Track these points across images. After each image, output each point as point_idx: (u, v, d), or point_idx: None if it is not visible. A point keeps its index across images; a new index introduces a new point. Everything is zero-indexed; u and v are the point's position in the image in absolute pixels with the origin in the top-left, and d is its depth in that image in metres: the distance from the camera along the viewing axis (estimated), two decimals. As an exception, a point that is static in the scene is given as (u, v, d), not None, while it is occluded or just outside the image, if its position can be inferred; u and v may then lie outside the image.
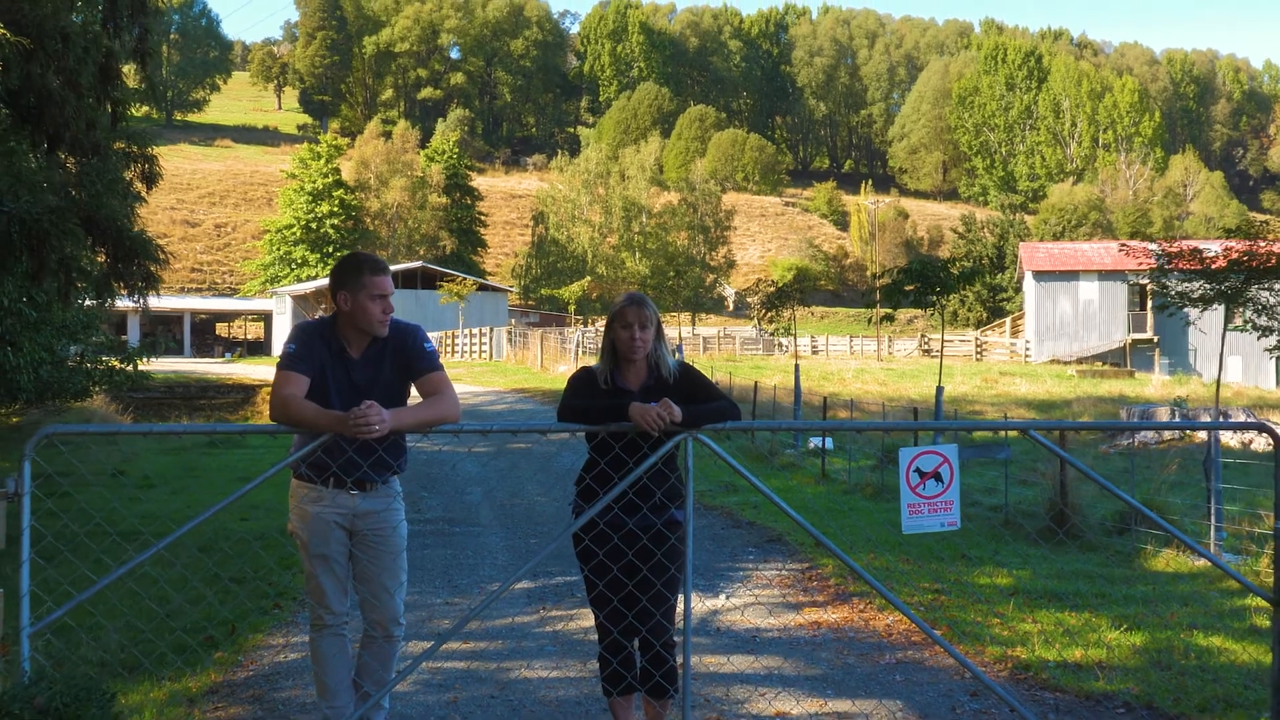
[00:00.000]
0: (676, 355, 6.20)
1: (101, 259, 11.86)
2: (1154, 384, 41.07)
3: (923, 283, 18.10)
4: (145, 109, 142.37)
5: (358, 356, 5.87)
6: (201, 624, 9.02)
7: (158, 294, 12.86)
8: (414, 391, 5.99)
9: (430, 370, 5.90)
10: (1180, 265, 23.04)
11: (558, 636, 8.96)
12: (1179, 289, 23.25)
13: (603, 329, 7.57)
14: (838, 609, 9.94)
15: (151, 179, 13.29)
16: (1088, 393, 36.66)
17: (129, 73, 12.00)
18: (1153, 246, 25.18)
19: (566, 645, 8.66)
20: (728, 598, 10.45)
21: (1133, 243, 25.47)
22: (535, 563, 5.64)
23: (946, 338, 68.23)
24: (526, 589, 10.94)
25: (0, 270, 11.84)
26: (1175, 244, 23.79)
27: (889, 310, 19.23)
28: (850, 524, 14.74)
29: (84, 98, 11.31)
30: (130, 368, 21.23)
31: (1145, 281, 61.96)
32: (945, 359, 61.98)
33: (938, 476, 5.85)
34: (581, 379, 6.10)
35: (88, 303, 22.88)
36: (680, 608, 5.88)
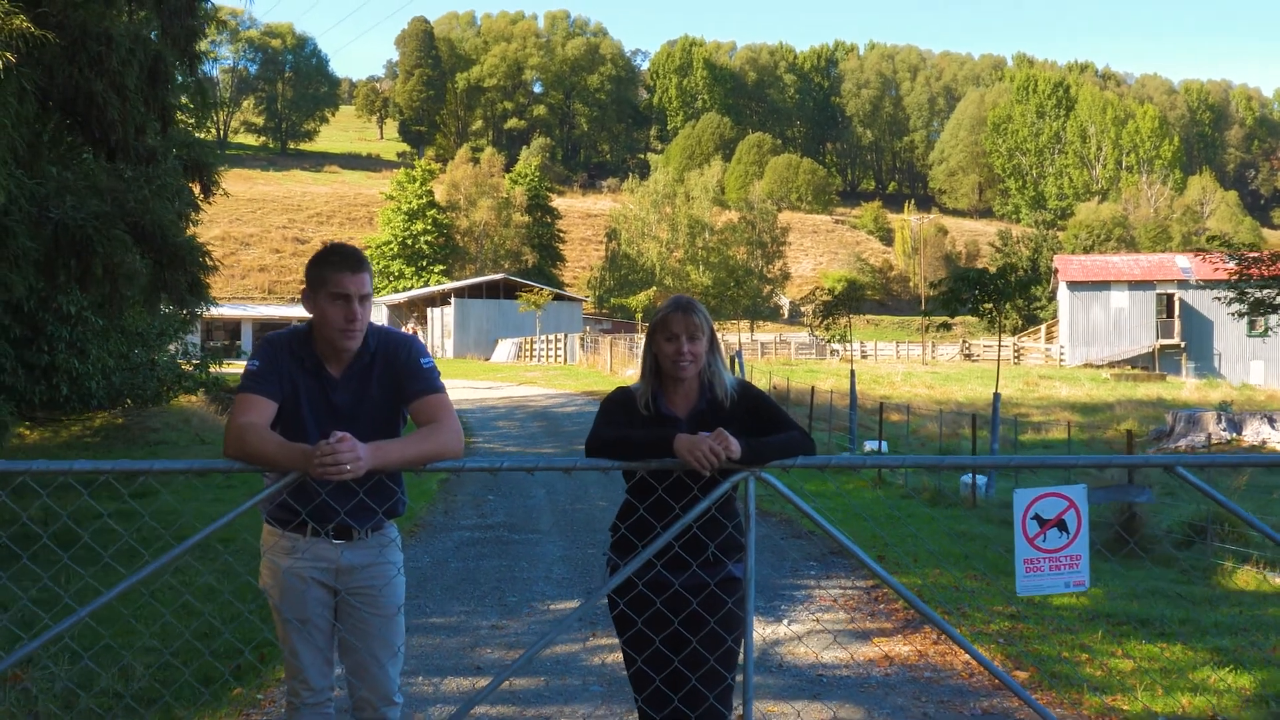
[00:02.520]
0: (736, 366, 4.53)
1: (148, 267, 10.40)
2: (1188, 387, 38.84)
3: (979, 290, 16.36)
4: (262, 139, 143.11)
5: (338, 375, 4.24)
6: (235, 647, 7.30)
7: (208, 302, 11.61)
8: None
9: (426, 392, 4.22)
10: (1261, 272, 21.10)
11: (605, 673, 7.32)
12: (1258, 294, 21.30)
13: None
14: (910, 639, 8.22)
15: (208, 189, 11.86)
16: (1125, 396, 34.56)
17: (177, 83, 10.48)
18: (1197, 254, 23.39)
19: (614, 685, 7.02)
20: (789, 623, 8.76)
21: (1206, 249, 23.68)
22: (552, 637, 4.03)
23: (986, 343, 66.04)
24: (577, 608, 9.34)
25: (47, 277, 10.40)
26: (1254, 252, 21.98)
27: (946, 318, 17.50)
28: (911, 533, 13.04)
29: (129, 101, 9.84)
30: (201, 374, 20.05)
31: (1174, 291, 60.09)
32: (985, 362, 59.92)
33: (1062, 525, 4.18)
34: (617, 402, 4.42)
35: (183, 311, 21.82)
36: (740, 684, 4.29)
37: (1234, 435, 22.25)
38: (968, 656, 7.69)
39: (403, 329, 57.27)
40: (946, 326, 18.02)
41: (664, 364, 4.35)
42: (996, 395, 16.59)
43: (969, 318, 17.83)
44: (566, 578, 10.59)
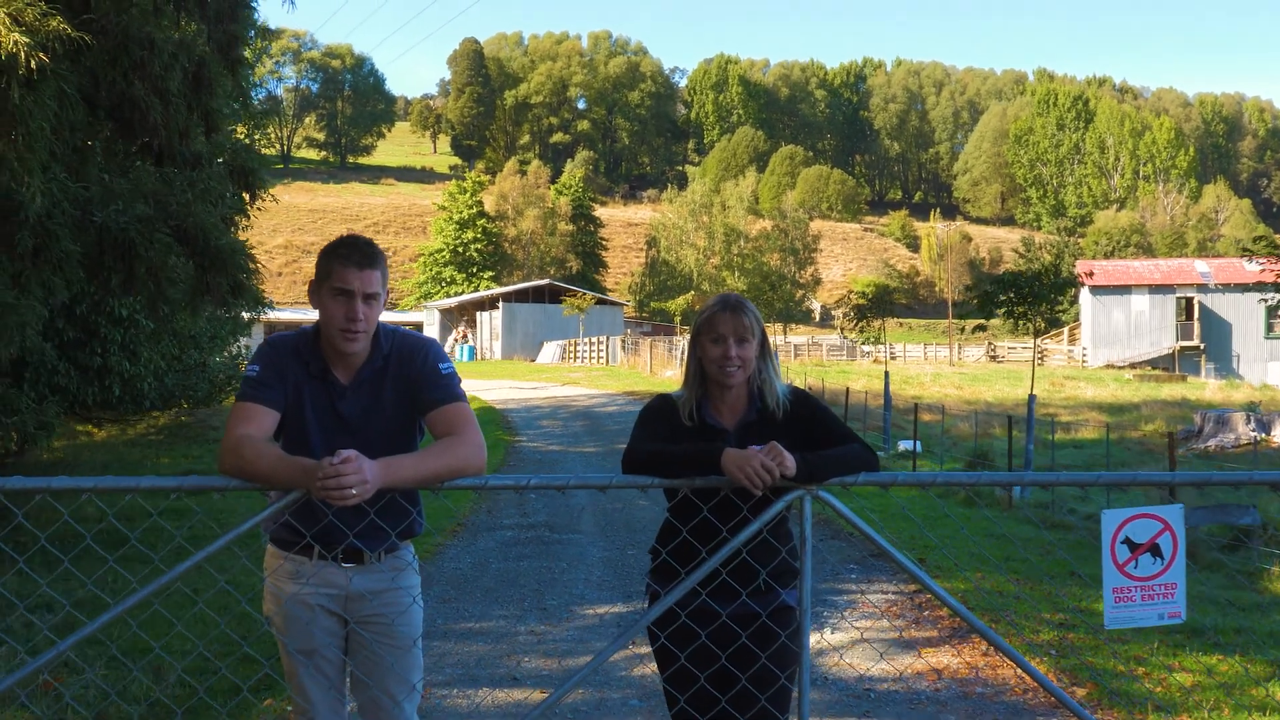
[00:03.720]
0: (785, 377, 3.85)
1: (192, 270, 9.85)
2: (1210, 388, 37.75)
3: (1015, 292, 15.64)
4: (323, 153, 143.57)
5: (347, 381, 3.59)
6: (257, 659, 6.68)
7: (253, 304, 11.13)
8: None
9: (445, 401, 3.56)
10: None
11: (645, 686, 6.69)
12: None
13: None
14: (957, 650, 7.55)
15: (254, 194, 11.32)
16: (1150, 396, 33.58)
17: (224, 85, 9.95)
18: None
19: (654, 699, 6.40)
20: (831, 631, 8.11)
21: (1253, 249, 22.76)
22: (580, 677, 3.42)
23: (1010, 345, 64.88)
24: (617, 613, 8.71)
25: (93, 280, 9.89)
26: None
27: (981, 320, 16.78)
28: (950, 535, 12.35)
29: (171, 105, 9.31)
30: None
31: (1193, 295, 58.81)
32: (1010, 364, 58.85)
33: (1155, 550, 3.52)
34: (657, 411, 3.75)
35: (246, 315, 21.38)
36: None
37: (1263, 435, 21.37)
38: (1018, 669, 7.06)
39: (454, 332, 56.13)
40: (982, 328, 17.22)
41: (709, 369, 3.69)
42: (1032, 397, 15.84)
43: (993, 320, 17.11)
44: (606, 580, 9.98)
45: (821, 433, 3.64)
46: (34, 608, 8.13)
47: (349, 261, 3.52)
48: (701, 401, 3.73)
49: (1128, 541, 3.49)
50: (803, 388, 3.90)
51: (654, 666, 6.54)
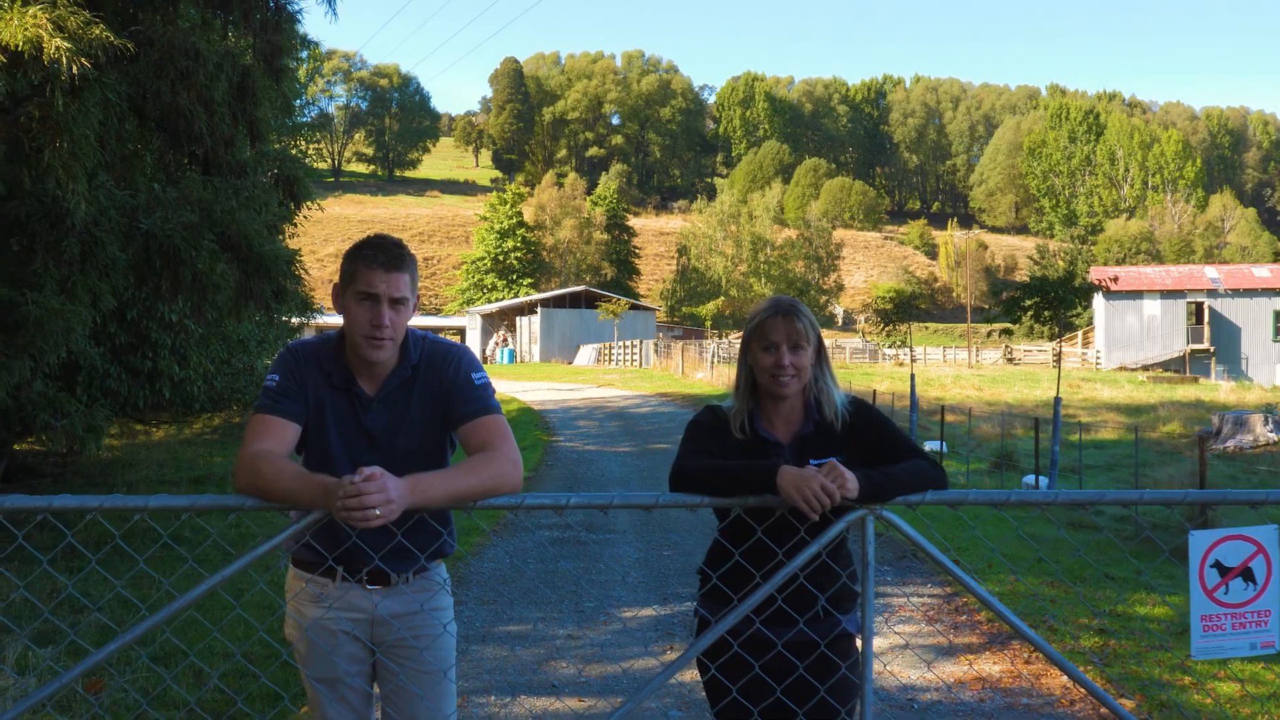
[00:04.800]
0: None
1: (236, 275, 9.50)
2: (1223, 389, 36.87)
3: (1042, 297, 15.10)
4: (371, 167, 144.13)
5: (373, 393, 3.15)
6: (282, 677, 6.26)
7: (296, 310, 10.78)
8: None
9: (479, 414, 3.12)
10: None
11: (684, 695, 6.26)
12: None
13: (737, 343, 3.87)
14: (998, 656, 7.07)
15: (299, 202, 10.97)
16: (1165, 397, 32.80)
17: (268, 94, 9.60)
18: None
19: (693, 709, 5.98)
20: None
21: None
22: (642, 697, 2.99)
23: (1025, 348, 63.97)
24: (654, 617, 8.28)
25: (141, 286, 9.57)
26: None
27: (1007, 324, 16.24)
28: (977, 537, 11.84)
29: (216, 114, 8.97)
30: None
31: (1203, 300, 57.75)
32: (1026, 366, 57.99)
33: (1247, 574, 3.07)
34: (706, 426, 3.27)
35: (295, 320, 21.10)
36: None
37: (1280, 437, 20.70)
38: (1064, 678, 6.56)
39: (494, 336, 55.60)
40: (1008, 332, 16.64)
41: (761, 379, 3.23)
42: (1058, 400, 15.29)
43: (996, 323, 16.61)
44: (642, 581, 9.56)
45: (884, 446, 3.19)
46: (62, 609, 7.79)
47: (375, 263, 3.08)
48: (754, 413, 3.28)
49: (1218, 565, 3.04)
50: (861, 398, 3.45)
51: (694, 674, 6.13)
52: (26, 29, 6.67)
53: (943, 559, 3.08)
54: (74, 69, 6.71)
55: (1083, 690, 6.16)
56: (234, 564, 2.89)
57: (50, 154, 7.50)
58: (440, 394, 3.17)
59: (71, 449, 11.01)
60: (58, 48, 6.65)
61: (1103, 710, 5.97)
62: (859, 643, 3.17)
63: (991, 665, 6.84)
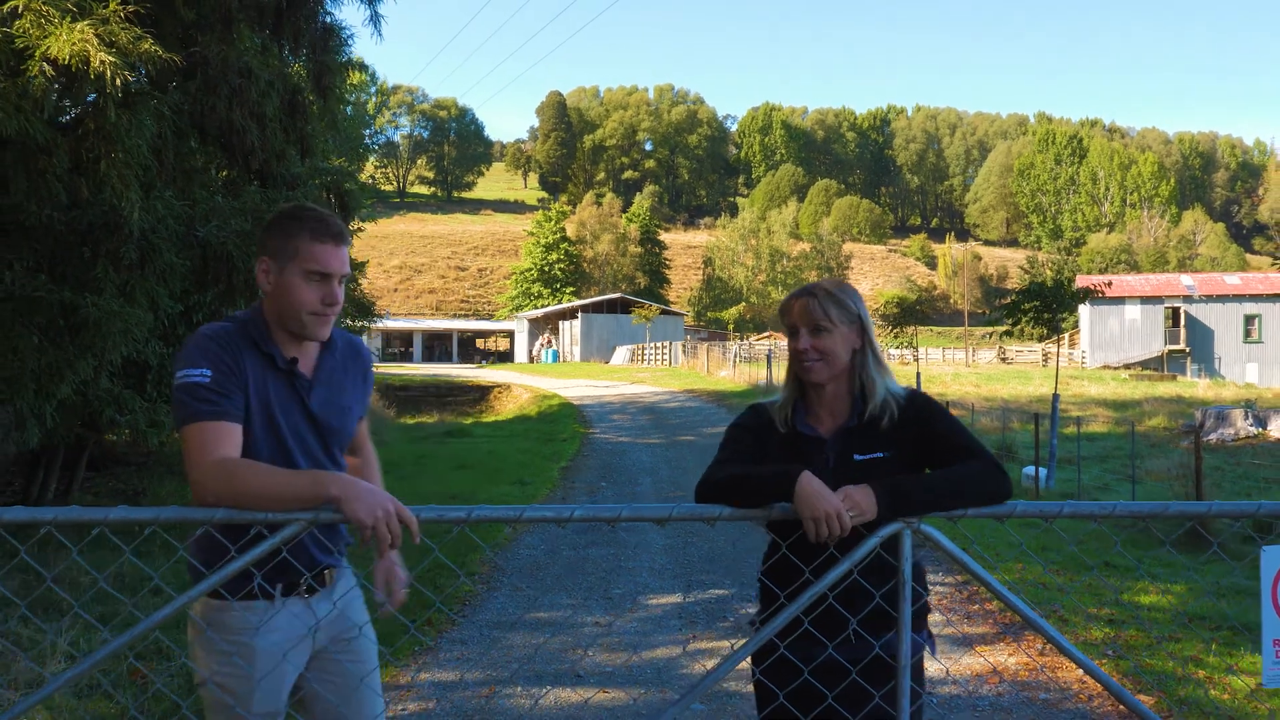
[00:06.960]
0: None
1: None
2: (1201, 386, 35.82)
3: (1041, 301, 14.43)
4: (432, 189, 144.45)
5: (309, 374, 2.57)
6: None
7: (358, 314, 10.28)
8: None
9: (364, 413, 2.71)
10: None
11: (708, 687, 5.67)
12: None
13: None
14: (1011, 648, 6.44)
15: (349, 213, 10.48)
16: (1148, 394, 31.87)
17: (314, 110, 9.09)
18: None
19: (716, 701, 5.38)
20: (887, 625, 7.03)
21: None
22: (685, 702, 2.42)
23: (1016, 349, 62.81)
24: (677, 604, 7.69)
25: (200, 290, 9.09)
26: None
27: (1008, 327, 15.56)
28: (984, 526, 11.17)
29: (267, 129, 8.48)
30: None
31: (1180, 305, 56.50)
32: (1018, 365, 56.88)
33: (1328, 597, 2.46)
34: (746, 429, 2.65)
35: (356, 323, 20.61)
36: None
37: (1260, 430, 19.83)
38: (1078, 672, 5.92)
39: (540, 338, 55.20)
40: (1009, 334, 15.95)
41: (794, 366, 2.65)
42: (1056, 396, 14.57)
43: (997, 326, 16.00)
44: (668, 568, 8.96)
45: (937, 444, 2.56)
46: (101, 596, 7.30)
47: (323, 238, 2.51)
48: (798, 404, 2.68)
49: (1295, 587, 2.43)
50: (922, 391, 2.82)
51: (715, 663, 5.53)
52: (74, 43, 6.18)
53: (989, 579, 2.48)
54: (118, 81, 6.20)
55: (1098, 687, 5.55)
56: (186, 595, 2.34)
57: (106, 164, 7.03)
58: (361, 379, 2.70)
59: (135, 440, 10.59)
60: (102, 61, 6.14)
61: (1121, 707, 5.36)
62: (924, 656, 2.68)
63: (1007, 657, 6.21)
